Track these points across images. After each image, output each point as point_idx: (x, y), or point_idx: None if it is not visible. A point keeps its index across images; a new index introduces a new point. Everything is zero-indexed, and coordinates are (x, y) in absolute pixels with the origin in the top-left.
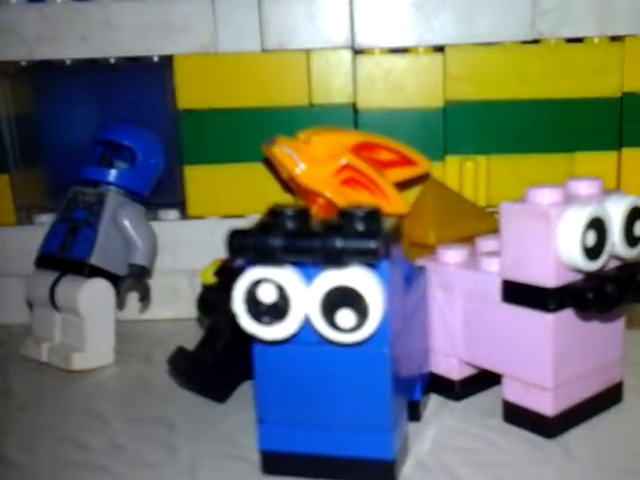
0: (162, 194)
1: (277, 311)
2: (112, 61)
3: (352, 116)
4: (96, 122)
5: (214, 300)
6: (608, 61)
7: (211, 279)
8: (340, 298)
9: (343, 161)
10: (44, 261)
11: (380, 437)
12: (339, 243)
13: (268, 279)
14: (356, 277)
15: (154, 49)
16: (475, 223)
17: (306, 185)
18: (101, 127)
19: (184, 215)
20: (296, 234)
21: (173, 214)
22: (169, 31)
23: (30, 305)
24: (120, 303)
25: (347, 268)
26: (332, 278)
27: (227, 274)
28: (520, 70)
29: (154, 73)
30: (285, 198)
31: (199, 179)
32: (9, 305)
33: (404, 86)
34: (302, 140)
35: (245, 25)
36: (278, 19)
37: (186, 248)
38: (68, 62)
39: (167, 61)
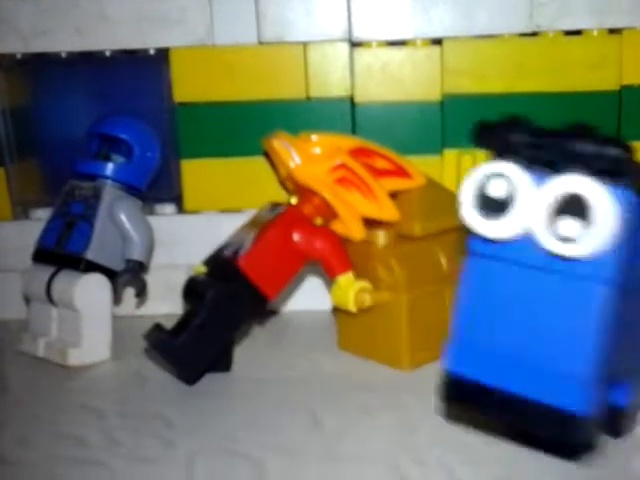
0: (159, 188)
1: (502, 207)
2: (108, 54)
3: (349, 109)
4: (92, 115)
5: (197, 287)
6: (607, 54)
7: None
8: (569, 207)
9: (338, 160)
10: (41, 256)
11: (579, 386)
12: (580, 147)
13: (502, 174)
14: (590, 187)
15: (150, 42)
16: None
17: (300, 180)
18: (98, 120)
19: (181, 209)
20: (541, 132)
21: (170, 208)
22: (165, 24)
23: (27, 300)
24: (116, 298)
25: (584, 176)
26: (565, 183)
27: (216, 263)
28: (518, 63)
29: (150, 66)
30: (283, 193)
31: (196, 173)
32: (6, 300)
33: (402, 79)
34: (302, 139)
35: (242, 17)
36: (275, 11)
37: (183, 243)
38: (64, 55)
39: (163, 54)
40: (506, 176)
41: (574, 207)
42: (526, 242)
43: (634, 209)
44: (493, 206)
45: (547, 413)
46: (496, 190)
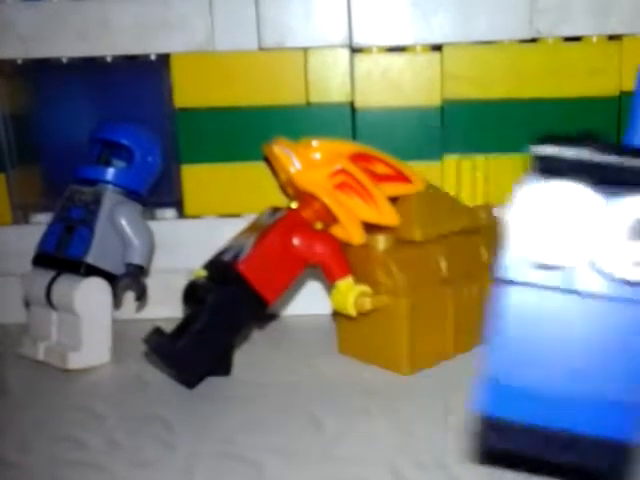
0: (159, 193)
1: (560, 231)
2: (109, 59)
3: (350, 115)
4: (93, 121)
5: (197, 291)
6: (606, 60)
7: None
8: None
9: (338, 166)
10: (41, 260)
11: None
12: None
13: (564, 195)
14: None
15: (151, 47)
16: (459, 218)
17: (301, 186)
18: (99, 126)
19: (181, 214)
20: (608, 149)
21: (170, 213)
22: (166, 29)
23: (27, 304)
24: (117, 302)
25: None
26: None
27: (216, 267)
28: (518, 69)
29: (151, 72)
30: (283, 197)
31: (196, 178)
32: (6, 304)
33: (402, 85)
34: (302, 144)
35: (242, 23)
36: (275, 17)
37: (183, 247)
38: (65, 60)
39: (164, 59)
40: (570, 197)
41: None
42: (582, 269)
43: None
44: (550, 229)
45: (600, 445)
46: (557, 213)
